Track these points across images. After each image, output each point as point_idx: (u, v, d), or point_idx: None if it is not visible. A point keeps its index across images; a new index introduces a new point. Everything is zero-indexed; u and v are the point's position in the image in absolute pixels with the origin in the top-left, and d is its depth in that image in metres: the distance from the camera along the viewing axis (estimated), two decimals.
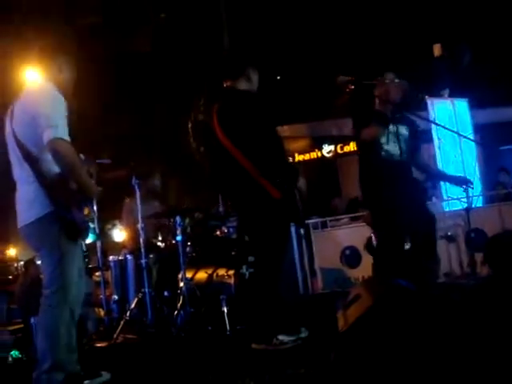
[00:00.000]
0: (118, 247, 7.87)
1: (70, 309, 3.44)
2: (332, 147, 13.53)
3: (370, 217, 5.02)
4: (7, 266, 13.22)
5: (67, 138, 3.40)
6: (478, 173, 9.36)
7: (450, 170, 8.59)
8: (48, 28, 9.69)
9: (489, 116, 11.67)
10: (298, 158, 13.50)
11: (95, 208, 5.65)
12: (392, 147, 4.64)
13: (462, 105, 9.66)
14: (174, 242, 5.90)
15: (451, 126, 8.83)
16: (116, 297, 6.23)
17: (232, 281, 5.52)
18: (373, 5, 11.81)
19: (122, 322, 5.49)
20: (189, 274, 5.68)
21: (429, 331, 2.49)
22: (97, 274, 6.73)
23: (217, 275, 5.66)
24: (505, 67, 11.51)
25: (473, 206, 7.46)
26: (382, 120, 4.58)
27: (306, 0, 11.96)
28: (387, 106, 4.68)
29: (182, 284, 5.49)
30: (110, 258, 6.58)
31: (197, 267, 5.83)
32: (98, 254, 6.25)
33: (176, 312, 5.36)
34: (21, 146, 3.45)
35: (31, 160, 3.43)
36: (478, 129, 9.96)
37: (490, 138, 10.84)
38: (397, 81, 4.69)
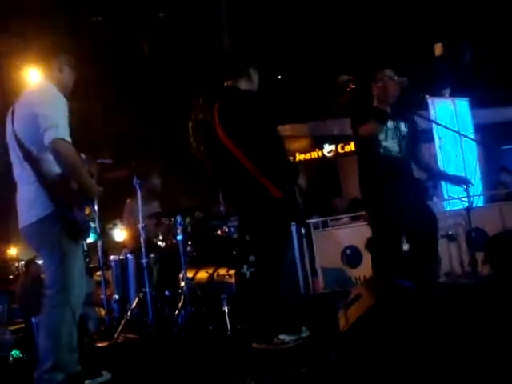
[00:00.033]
0: (118, 247, 7.88)
1: (72, 309, 3.44)
2: (333, 147, 13.54)
3: (368, 215, 4.99)
4: (8, 265, 13.26)
5: (68, 138, 3.40)
6: (478, 172, 9.35)
7: (451, 170, 8.58)
8: (48, 28, 9.71)
9: (490, 115, 11.67)
10: (299, 157, 13.51)
11: (96, 208, 5.65)
12: (390, 144, 4.62)
13: (462, 104, 9.65)
14: (174, 241, 5.91)
15: (452, 126, 8.82)
16: (117, 296, 6.24)
17: (233, 280, 5.51)
18: (374, 4, 11.81)
19: (122, 322, 5.49)
20: (190, 274, 5.68)
21: (430, 331, 2.48)
22: (97, 273, 6.75)
23: (218, 275, 5.66)
24: (506, 67, 11.50)
25: (474, 205, 7.46)
26: (380, 116, 4.56)
27: (307, 0, 11.95)
28: (386, 103, 4.66)
29: (182, 283, 5.49)
30: (111, 257, 6.59)
31: (198, 267, 5.83)
32: (99, 253, 6.25)
33: (177, 311, 5.36)
34: (22, 146, 3.45)
35: (32, 160, 3.43)
36: (479, 128, 9.95)
37: (490, 138, 10.84)
38: (395, 77, 4.67)
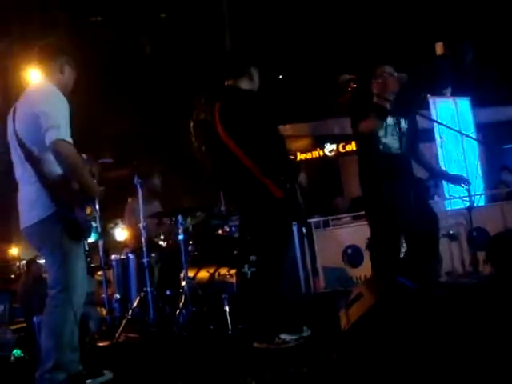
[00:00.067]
0: (119, 246, 7.88)
1: (74, 308, 3.44)
2: (334, 146, 13.53)
3: (367, 213, 4.95)
4: (9, 265, 13.27)
5: (69, 138, 3.40)
6: (480, 171, 9.35)
7: (453, 169, 8.58)
8: (49, 28, 9.71)
9: (491, 115, 11.67)
10: (300, 156, 13.50)
11: (97, 207, 5.65)
12: (390, 140, 4.60)
13: (464, 103, 9.65)
14: (175, 241, 5.90)
15: (453, 125, 8.82)
16: (118, 296, 6.24)
17: (234, 280, 5.51)
18: (375, 4, 11.81)
19: (124, 321, 5.49)
20: (191, 273, 5.68)
21: (431, 330, 2.48)
22: (99, 273, 6.75)
23: (219, 274, 5.66)
24: (507, 66, 11.50)
25: (475, 204, 7.46)
26: (379, 112, 4.55)
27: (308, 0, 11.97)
28: (385, 99, 4.65)
29: (183, 283, 5.49)
30: (112, 257, 6.59)
31: (199, 266, 5.83)
32: (100, 253, 6.25)
33: (178, 311, 5.36)
34: (23, 146, 3.45)
35: (33, 160, 3.43)
36: (481, 127, 9.95)
37: (492, 137, 10.84)
38: (395, 73, 4.66)
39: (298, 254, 7.52)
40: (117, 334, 5.36)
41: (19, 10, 10.30)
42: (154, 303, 5.64)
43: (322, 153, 13.73)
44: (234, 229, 6.18)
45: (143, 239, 5.80)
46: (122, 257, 6.48)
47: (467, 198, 7.39)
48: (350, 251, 7.54)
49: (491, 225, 6.93)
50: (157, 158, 10.70)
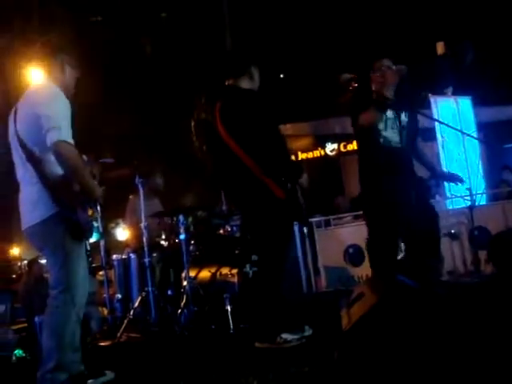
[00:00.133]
0: (121, 246, 7.88)
1: (75, 308, 3.44)
2: (335, 145, 13.52)
3: (365, 210, 4.92)
4: (11, 265, 13.28)
5: (70, 139, 3.39)
6: (481, 171, 9.36)
7: (454, 168, 8.58)
8: (49, 27, 9.71)
9: (492, 114, 11.67)
10: (301, 156, 13.49)
11: (98, 207, 5.65)
12: (390, 134, 4.58)
13: (465, 103, 9.65)
14: (177, 240, 5.90)
15: (455, 124, 8.81)
16: (119, 296, 6.24)
17: (235, 279, 5.51)
18: (376, 3, 11.80)
19: (125, 321, 5.50)
20: (192, 273, 5.68)
21: (432, 329, 2.48)
22: (100, 272, 6.74)
23: (220, 274, 5.66)
24: (508, 65, 11.49)
25: (476, 203, 7.46)
26: (379, 104, 4.54)
27: None
28: (385, 92, 4.64)
29: (185, 283, 5.49)
30: (114, 256, 6.59)
31: (200, 266, 5.83)
32: (102, 252, 6.25)
33: (179, 311, 5.37)
34: (24, 146, 3.45)
35: (34, 160, 3.43)
36: (482, 127, 9.95)
37: (493, 136, 10.84)
38: (394, 67, 4.65)
39: (300, 254, 7.51)
40: (118, 334, 5.36)
41: (21, 9, 10.31)
42: (156, 303, 5.64)
43: (323, 152, 13.71)
44: (235, 228, 6.17)
45: (144, 239, 5.80)
46: (123, 257, 6.48)
47: (468, 197, 7.39)
48: (351, 250, 7.54)
49: (492, 224, 6.93)
50: (158, 158, 10.69)
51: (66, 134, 3.36)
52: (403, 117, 4.65)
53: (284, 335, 3.96)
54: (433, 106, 9.15)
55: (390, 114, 4.58)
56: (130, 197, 6.82)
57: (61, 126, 3.35)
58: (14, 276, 12.14)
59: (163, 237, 6.32)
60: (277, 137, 4.19)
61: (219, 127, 4.12)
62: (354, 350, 2.60)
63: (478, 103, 9.98)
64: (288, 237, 4.41)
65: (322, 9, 11.98)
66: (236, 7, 11.91)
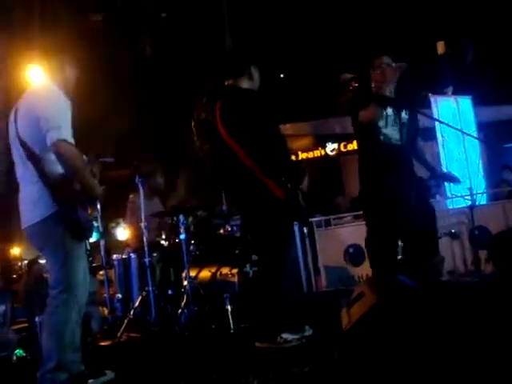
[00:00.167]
0: (121, 246, 7.89)
1: (75, 308, 3.44)
2: (335, 145, 13.53)
3: (365, 207, 4.91)
4: (11, 265, 13.28)
5: (71, 139, 3.40)
6: (481, 170, 9.35)
7: (454, 168, 8.58)
8: (50, 27, 9.71)
9: (492, 114, 11.66)
10: (302, 156, 13.50)
11: (99, 206, 5.66)
12: (390, 131, 4.57)
13: (465, 102, 9.64)
14: (177, 240, 5.90)
15: (455, 124, 8.80)
16: (120, 295, 6.25)
17: (236, 279, 5.51)
18: (376, 3, 11.80)
19: (125, 321, 5.50)
20: (192, 273, 5.68)
21: (433, 329, 2.48)
22: (100, 272, 6.74)
23: (220, 274, 5.66)
24: (508, 65, 11.49)
25: (477, 203, 7.46)
26: (379, 100, 4.53)
27: None
28: (385, 89, 4.64)
29: (185, 282, 5.49)
30: (114, 256, 6.59)
31: (200, 266, 5.83)
32: (102, 252, 6.25)
33: (180, 310, 5.37)
34: (24, 145, 3.46)
35: (35, 160, 3.44)
36: (482, 126, 9.94)
37: (493, 136, 10.83)
38: (393, 64, 4.64)
39: (300, 254, 7.51)
40: (119, 334, 5.36)
41: (22, 9, 10.31)
42: (156, 303, 5.64)
43: (323, 152, 13.72)
44: (235, 228, 6.18)
45: (145, 239, 5.80)
46: (123, 256, 6.48)
47: (469, 197, 7.39)
48: (351, 250, 7.53)
49: (493, 223, 6.92)
50: (159, 158, 10.69)
51: (66, 133, 3.37)
52: (403, 114, 4.64)
53: (284, 335, 3.95)
54: (433, 105, 9.15)
55: (390, 111, 4.58)
56: (131, 196, 6.82)
57: (61, 126, 3.35)
58: (14, 276, 12.14)
59: (163, 236, 6.33)
60: (277, 137, 4.19)
61: (219, 127, 4.12)
62: (354, 349, 2.60)
63: (478, 103, 9.97)
64: (288, 237, 4.41)
65: (322, 9, 11.98)
66: (235, 7, 11.92)
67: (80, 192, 3.47)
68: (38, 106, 3.45)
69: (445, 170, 7.30)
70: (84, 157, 3.63)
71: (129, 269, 6.30)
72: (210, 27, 11.91)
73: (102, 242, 6.24)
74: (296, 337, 3.98)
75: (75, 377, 3.39)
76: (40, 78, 3.89)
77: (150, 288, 5.67)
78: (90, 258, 5.96)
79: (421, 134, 4.99)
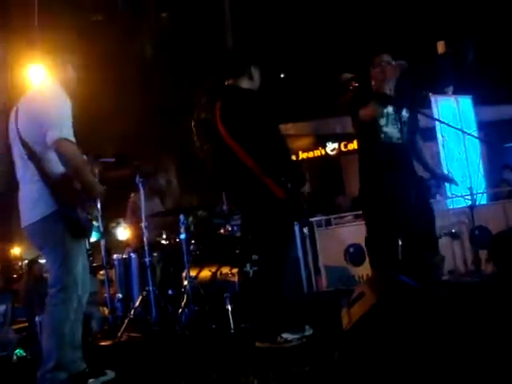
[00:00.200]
0: (121, 245, 7.90)
1: (76, 307, 3.44)
2: (336, 145, 13.53)
3: (365, 206, 4.90)
4: (11, 264, 13.30)
5: (72, 138, 3.40)
6: (481, 170, 9.35)
7: (454, 168, 8.58)
8: (51, 27, 9.71)
9: (493, 113, 11.66)
10: (302, 155, 13.51)
11: (99, 206, 5.66)
12: (391, 129, 4.56)
13: (466, 102, 9.64)
14: (177, 240, 5.90)
15: (455, 124, 8.80)
16: (120, 295, 6.24)
17: (236, 279, 5.51)
18: (376, 2, 11.80)
19: (126, 321, 5.50)
20: (193, 273, 5.68)
21: (433, 329, 2.48)
22: (101, 272, 6.75)
23: (221, 273, 5.66)
24: (508, 65, 11.48)
25: (477, 203, 7.46)
26: (379, 98, 4.52)
27: None
28: (385, 87, 4.63)
29: (186, 282, 5.49)
30: (114, 256, 6.59)
31: (201, 265, 5.83)
32: (102, 252, 6.26)
33: (180, 310, 5.37)
34: (25, 145, 3.46)
35: (35, 159, 3.44)
36: (482, 126, 9.94)
37: (494, 136, 10.83)
38: (393, 62, 4.63)
39: (300, 253, 7.50)
40: (119, 334, 5.36)
41: (23, 8, 10.31)
42: (156, 302, 5.64)
43: (323, 152, 13.73)
44: (235, 228, 6.18)
45: (145, 238, 5.80)
46: (123, 256, 6.48)
47: (469, 197, 7.39)
48: (351, 250, 7.53)
49: (493, 223, 6.92)
50: (159, 157, 10.70)
51: (67, 132, 3.37)
52: (404, 113, 4.64)
53: (284, 335, 3.95)
54: (433, 105, 9.14)
55: (390, 109, 4.57)
56: (131, 196, 6.82)
57: (62, 125, 3.36)
58: (14, 276, 12.15)
59: (164, 236, 6.33)
60: (277, 137, 4.19)
61: (219, 127, 4.12)
62: (354, 349, 2.60)
63: (478, 102, 9.96)
64: (288, 236, 4.41)
65: (323, 9, 11.98)
66: (237, 7, 11.91)
67: (80, 191, 3.48)
68: (38, 106, 3.45)
69: (443, 172, 7.28)
70: (84, 156, 3.64)
71: (129, 269, 6.30)
72: (211, 27, 11.90)
73: (103, 242, 6.24)
74: (296, 336, 3.98)
75: (75, 376, 3.39)
76: (40, 78, 3.89)
77: (151, 288, 5.67)
78: (91, 258, 5.98)
79: (421, 133, 4.99)
